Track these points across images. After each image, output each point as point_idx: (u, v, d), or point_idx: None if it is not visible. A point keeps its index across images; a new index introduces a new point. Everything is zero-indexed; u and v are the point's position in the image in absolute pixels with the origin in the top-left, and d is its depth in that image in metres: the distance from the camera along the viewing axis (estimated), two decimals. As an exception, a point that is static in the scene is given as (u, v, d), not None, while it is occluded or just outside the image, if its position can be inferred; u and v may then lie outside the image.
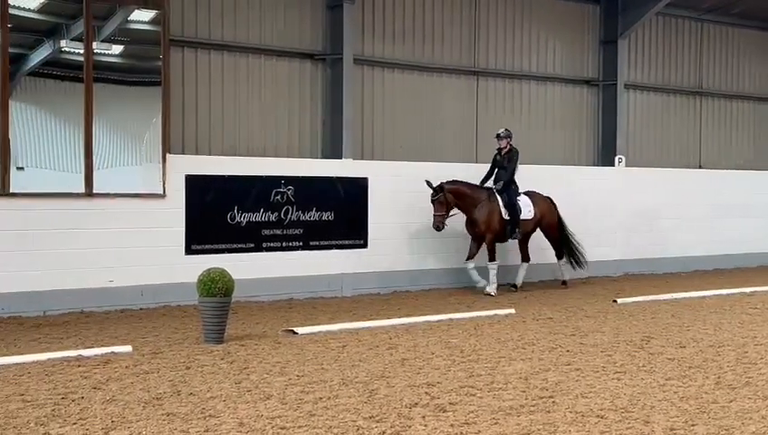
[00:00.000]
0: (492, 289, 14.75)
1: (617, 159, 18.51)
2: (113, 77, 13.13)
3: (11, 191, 11.75)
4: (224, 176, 13.51)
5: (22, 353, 9.11)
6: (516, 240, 15.31)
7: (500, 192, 15.07)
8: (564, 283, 16.11)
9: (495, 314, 12.31)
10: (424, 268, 15.32)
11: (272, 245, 13.93)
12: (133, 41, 13.58)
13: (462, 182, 14.94)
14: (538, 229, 15.77)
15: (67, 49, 12.76)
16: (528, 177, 15.68)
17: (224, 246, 13.45)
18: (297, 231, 13.98)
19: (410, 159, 15.67)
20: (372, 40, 15.69)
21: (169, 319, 11.78)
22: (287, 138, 14.81)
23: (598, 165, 18.75)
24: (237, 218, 13.61)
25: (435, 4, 16.39)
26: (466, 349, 9.76)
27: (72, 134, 12.62)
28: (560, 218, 16.01)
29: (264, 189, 13.86)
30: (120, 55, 13.35)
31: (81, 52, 12.48)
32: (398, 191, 15.06)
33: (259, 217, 13.81)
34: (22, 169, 12.18)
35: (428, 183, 14.41)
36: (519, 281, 15.60)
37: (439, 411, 7.02)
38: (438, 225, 14.55)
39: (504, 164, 15.17)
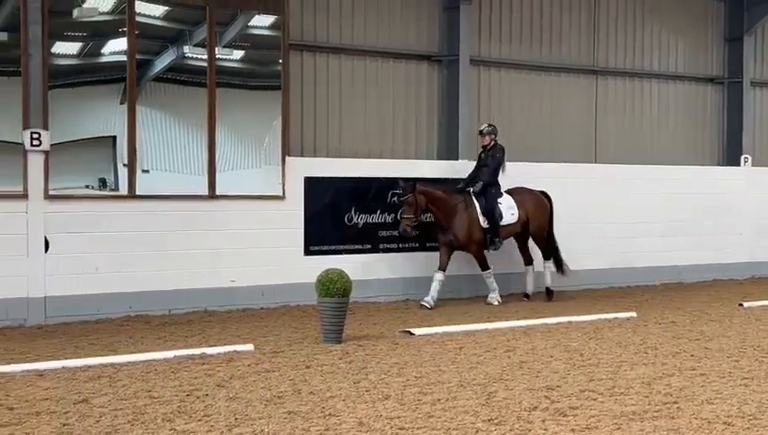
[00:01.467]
0: (494, 298, 13.57)
1: (742, 158, 17.90)
2: (234, 81, 13.44)
3: (137, 193, 12.14)
4: (341, 177, 13.65)
5: (149, 351, 9.39)
6: (496, 249, 13.58)
7: (477, 194, 13.48)
8: (527, 295, 14.12)
9: (616, 318, 12.05)
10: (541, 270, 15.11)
11: (388, 246, 14.00)
12: (253, 46, 13.86)
13: (433, 186, 13.47)
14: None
15: (190, 54, 13.13)
16: (652, 178, 15.30)
17: (341, 247, 13.59)
18: (413, 232, 14.01)
19: (528, 159, 15.47)
20: (489, 40, 15.61)
21: (289, 319, 11.96)
22: (403, 140, 14.88)
23: (722, 165, 18.18)
24: (354, 220, 13.74)
25: (553, 2, 16.21)
26: (586, 352, 9.59)
27: (194, 137, 12.96)
28: (551, 216, 14.25)
29: (380, 191, 13.94)
30: (241, 60, 13.65)
31: (204, 57, 12.79)
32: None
33: (376, 218, 13.90)
34: (147, 171, 12.58)
35: (399, 182, 13.33)
36: (529, 288, 14.17)
37: (559, 416, 6.92)
38: (406, 228, 13.07)
39: (488, 162, 13.71)
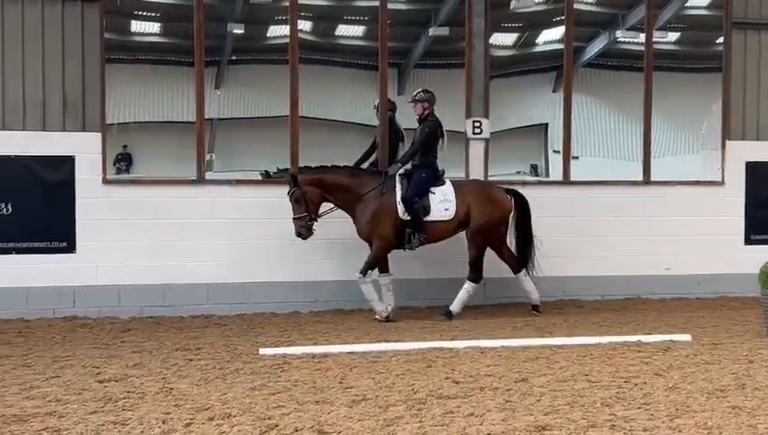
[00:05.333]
0: (381, 309, 10.67)
1: None
2: (670, 64, 13.09)
3: (571, 180, 12.27)
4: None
5: (583, 335, 9.47)
6: (412, 249, 10.72)
7: (401, 176, 10.76)
8: (536, 308, 11.17)
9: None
10: None
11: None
12: (690, 26, 13.38)
13: (337, 168, 10.89)
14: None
15: (623, 39, 12.99)
16: None
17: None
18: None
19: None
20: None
21: (727, 310, 11.41)
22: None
23: None
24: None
25: None
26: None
27: (624, 122, 12.85)
28: (505, 220, 11.04)
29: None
30: (677, 42, 13.24)
31: (637, 40, 12.61)
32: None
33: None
34: (576, 158, 12.67)
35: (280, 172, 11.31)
36: (533, 297, 11.19)
37: None
38: (300, 230, 10.58)
39: (414, 138, 10.95)
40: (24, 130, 10.86)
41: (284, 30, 11.81)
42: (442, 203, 10.69)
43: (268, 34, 12.61)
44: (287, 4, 11.48)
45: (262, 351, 8.52)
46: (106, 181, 10.97)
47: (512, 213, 11.08)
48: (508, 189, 11.24)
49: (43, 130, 10.94)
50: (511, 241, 11.18)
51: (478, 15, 11.84)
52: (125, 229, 10.94)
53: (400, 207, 10.56)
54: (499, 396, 6.81)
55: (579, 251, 12.20)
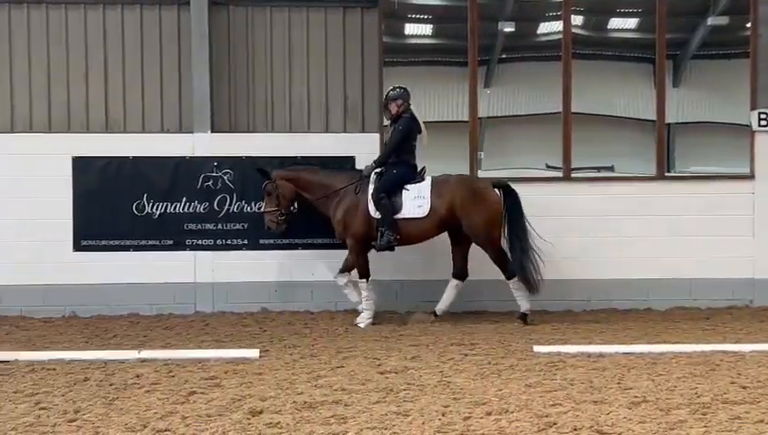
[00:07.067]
0: (362, 319, 10.27)
1: None
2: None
3: None
4: None
5: None
6: (382, 248, 10.20)
7: (377, 174, 10.37)
8: (523, 316, 10.26)
9: None
10: None
11: None
12: None
13: (312, 166, 10.76)
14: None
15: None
16: None
17: None
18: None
19: None
20: None
21: None
22: None
23: None
24: None
25: None
26: None
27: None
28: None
29: None
30: None
31: None
32: None
33: None
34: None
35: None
36: (523, 305, 10.25)
37: None
38: (269, 224, 10.56)
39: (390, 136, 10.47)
40: (308, 131, 11.51)
41: (555, 26, 11.76)
42: (416, 200, 10.23)
43: (538, 31, 12.55)
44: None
45: (536, 348, 8.51)
46: (382, 180, 11.36)
47: (501, 209, 10.34)
48: (496, 183, 10.52)
49: (326, 131, 11.54)
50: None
51: (764, 3, 11.28)
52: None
53: (371, 205, 10.29)
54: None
55: None
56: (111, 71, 11.49)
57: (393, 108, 10.48)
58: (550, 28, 12.16)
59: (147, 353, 8.33)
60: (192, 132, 11.32)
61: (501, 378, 7.29)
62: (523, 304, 10.27)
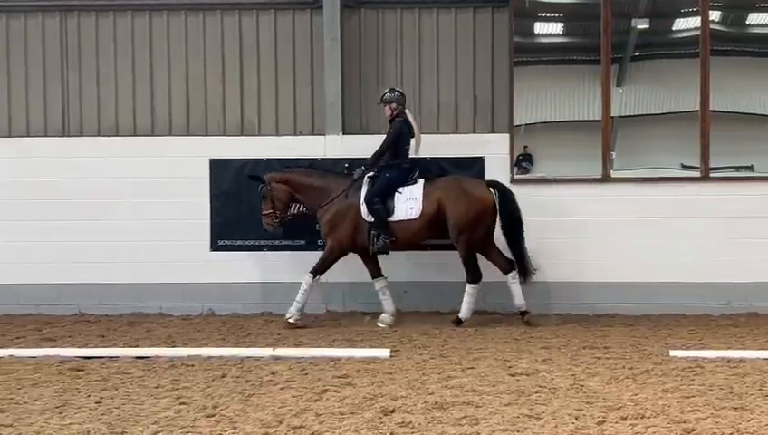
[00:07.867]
0: (291, 312, 10.42)
1: None
2: None
3: None
4: None
5: None
6: (378, 253, 10.37)
7: (369, 178, 10.46)
8: (522, 314, 10.36)
9: None
10: None
11: None
12: None
13: (306, 169, 10.97)
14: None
15: None
16: None
17: None
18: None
19: None
20: None
21: None
22: None
23: None
24: None
25: None
26: None
27: None
28: (485, 215, 10.23)
29: None
30: None
31: None
32: None
33: None
34: None
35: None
36: (518, 302, 10.34)
37: None
38: (266, 227, 10.80)
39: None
40: (437, 132, 11.54)
41: (691, 22, 11.45)
42: (407, 202, 10.31)
43: (674, 28, 12.22)
44: (696, -5, 11.22)
45: (672, 352, 8.30)
46: (513, 181, 11.27)
47: (494, 207, 10.31)
48: (490, 182, 10.53)
49: (455, 132, 11.54)
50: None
51: None
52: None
53: (363, 209, 10.34)
54: None
55: None
56: (246, 75, 11.82)
57: (387, 111, 10.63)
58: (685, 24, 11.84)
59: (280, 351, 8.52)
60: (324, 134, 11.52)
61: (636, 382, 7.14)
62: (517, 302, 10.35)
